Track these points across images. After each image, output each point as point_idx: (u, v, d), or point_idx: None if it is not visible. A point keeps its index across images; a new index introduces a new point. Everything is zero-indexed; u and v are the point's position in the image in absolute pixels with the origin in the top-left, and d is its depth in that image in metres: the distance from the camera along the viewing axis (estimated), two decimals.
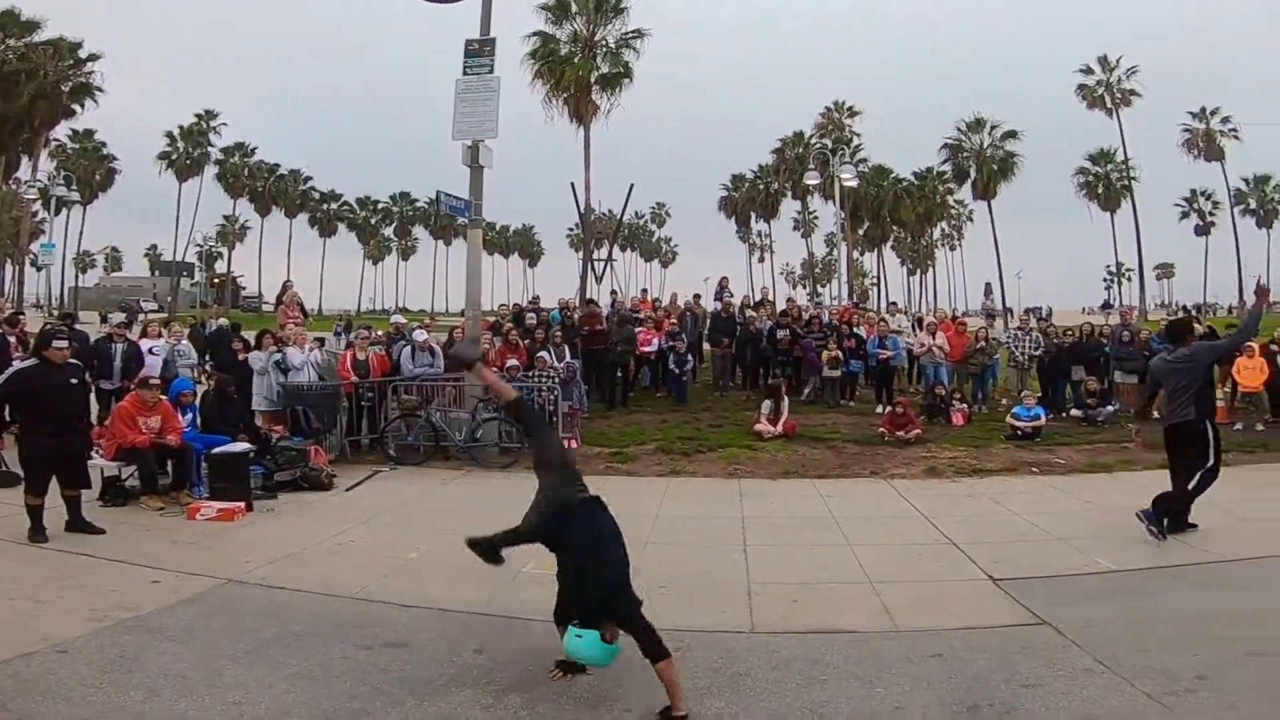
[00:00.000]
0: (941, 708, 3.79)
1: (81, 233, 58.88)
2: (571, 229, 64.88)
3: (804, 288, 63.62)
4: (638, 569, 5.86)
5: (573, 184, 27.45)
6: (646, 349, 14.27)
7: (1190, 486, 6.38)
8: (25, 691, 3.80)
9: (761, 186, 59.49)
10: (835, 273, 29.56)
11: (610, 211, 29.97)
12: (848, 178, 27.19)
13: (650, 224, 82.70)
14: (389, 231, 76.02)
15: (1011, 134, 51.16)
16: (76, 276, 62.64)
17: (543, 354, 11.30)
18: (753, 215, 63.79)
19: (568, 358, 11.94)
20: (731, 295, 16.46)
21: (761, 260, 73.99)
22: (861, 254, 62.79)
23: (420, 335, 11.43)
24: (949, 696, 3.88)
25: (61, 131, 45.01)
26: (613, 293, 18.91)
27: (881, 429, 10.94)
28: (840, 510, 7.55)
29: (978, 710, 3.74)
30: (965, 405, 12.48)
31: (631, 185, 27.63)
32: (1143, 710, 3.69)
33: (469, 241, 11.31)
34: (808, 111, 57.72)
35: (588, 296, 16.94)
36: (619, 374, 13.82)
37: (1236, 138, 53.40)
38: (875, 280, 62.80)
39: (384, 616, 4.94)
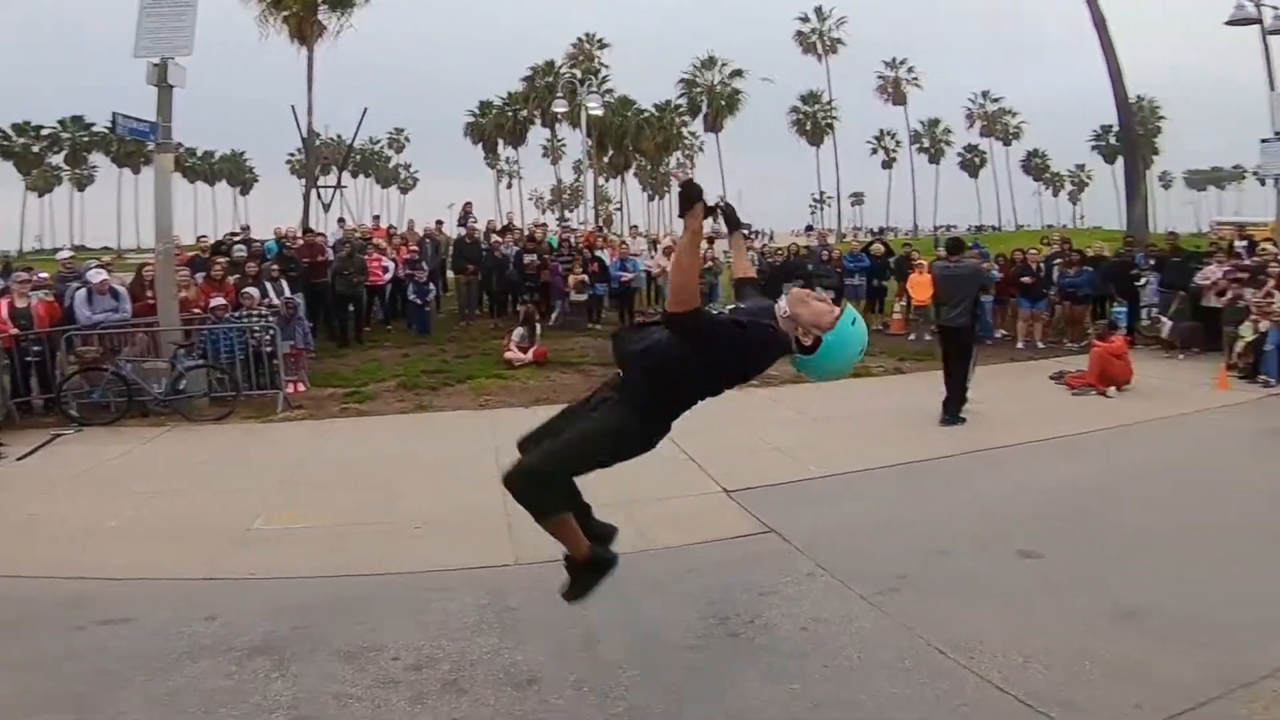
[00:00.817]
0: (698, 621, 3.99)
1: None
2: (293, 154, 58.91)
3: (553, 213, 64.07)
4: (388, 510, 5.67)
5: (293, 107, 24.65)
6: (381, 279, 13.36)
7: (963, 380, 7.85)
8: None
9: (510, 114, 58.98)
10: (582, 198, 29.99)
11: (339, 137, 27.36)
12: (594, 107, 27.39)
13: (388, 149, 77.33)
14: (58, 160, 63.18)
15: (738, 72, 57.10)
16: None
17: (250, 290, 10.05)
18: (500, 142, 62.76)
19: (287, 293, 10.78)
20: (475, 220, 15.88)
21: (510, 186, 72.61)
22: (606, 180, 64.50)
23: (97, 275, 9.60)
24: (704, 610, 4.09)
25: None
26: (340, 220, 17.34)
27: None
28: None
29: (728, 622, 3.97)
30: None
31: (365, 109, 25.42)
32: (859, 610, 4.05)
33: (156, 168, 9.64)
34: (560, 42, 57.68)
35: (307, 225, 15.36)
36: (350, 308, 12.83)
37: (918, 86, 65.41)
38: (619, 206, 64.97)
39: (91, 593, 4.38)
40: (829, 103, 62.92)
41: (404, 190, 78.49)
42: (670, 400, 3.00)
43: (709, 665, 3.58)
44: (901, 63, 65.66)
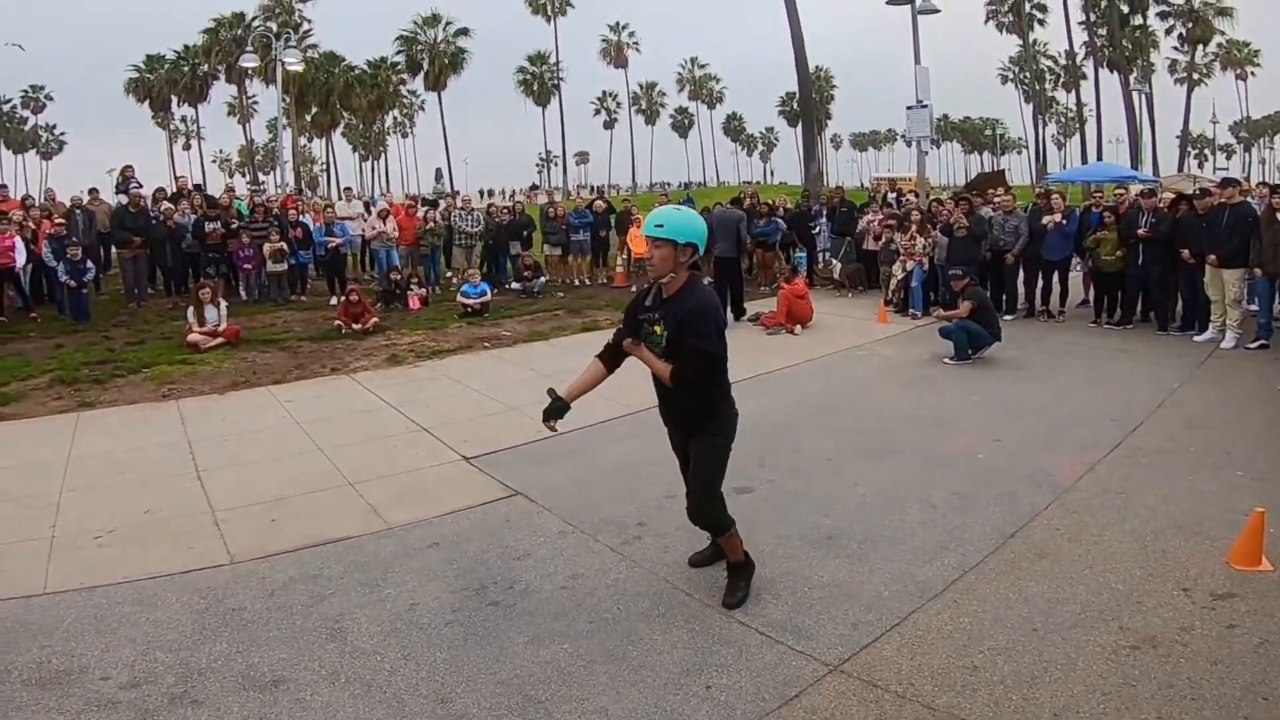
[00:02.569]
0: (452, 595, 3.84)
1: None
2: None
3: (244, 176, 57.55)
4: (54, 523, 4.75)
5: None
6: (9, 262, 10.95)
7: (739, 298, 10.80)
8: None
9: (187, 68, 51.56)
10: (280, 160, 27.03)
11: None
12: (292, 62, 24.72)
13: (22, 110, 63.78)
14: None
15: (463, 31, 55.37)
16: None
17: None
18: (175, 99, 54.69)
19: None
20: (140, 186, 13.59)
21: (188, 148, 63.98)
22: (310, 140, 59.22)
23: None
24: (456, 583, 3.95)
25: None
26: None
27: (338, 321, 10.49)
28: (304, 414, 7.01)
29: (485, 591, 3.87)
30: (422, 289, 12.76)
31: None
32: (610, 561, 4.16)
33: None
34: None
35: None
36: None
37: (638, 50, 69.27)
38: (325, 167, 60.14)
39: None
40: (556, 64, 63.60)
41: (45, 156, 65.45)
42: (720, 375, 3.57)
43: (472, 638, 3.48)
44: (624, 27, 68.51)
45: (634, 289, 13.65)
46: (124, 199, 13.17)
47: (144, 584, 4.03)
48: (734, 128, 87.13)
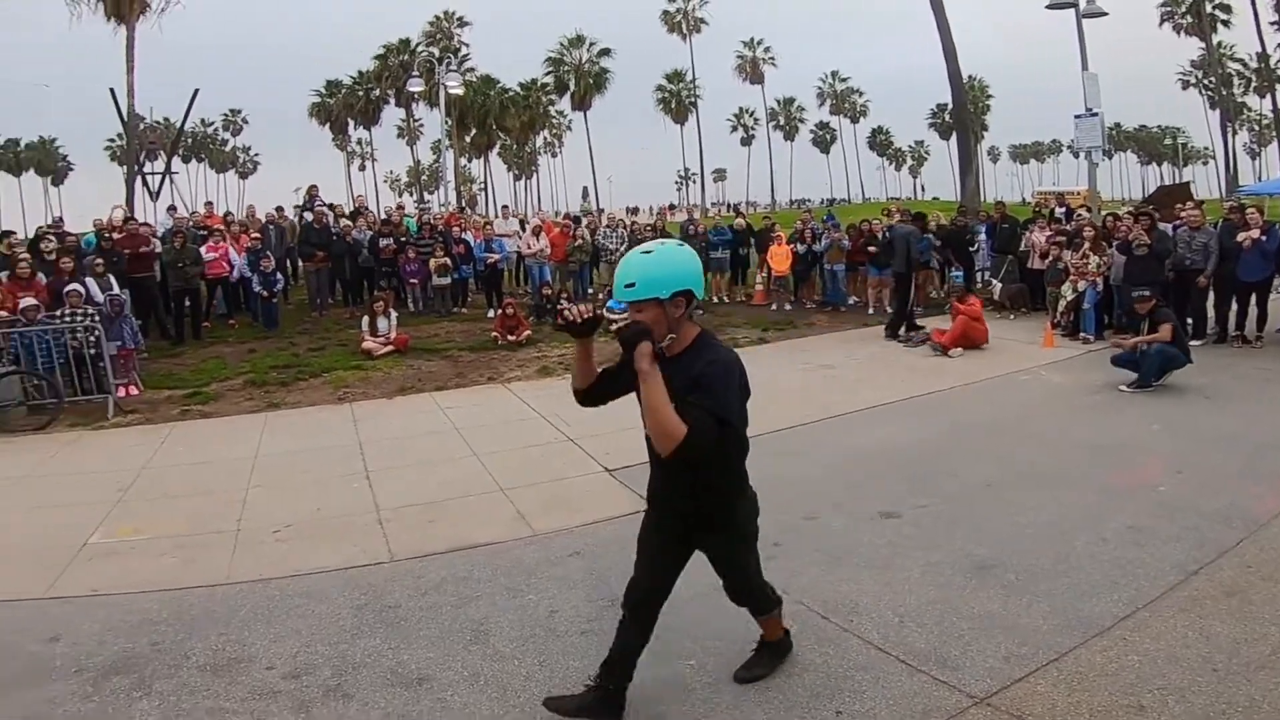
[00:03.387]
0: (589, 604, 3.90)
1: None
2: (113, 140, 53.72)
3: (411, 195, 61.83)
4: (241, 516, 5.27)
5: (112, 89, 22.26)
6: (225, 271, 12.36)
7: (896, 310, 10.99)
8: None
9: (362, 93, 56.28)
10: (443, 179, 29.05)
11: (167, 120, 25.01)
12: (453, 85, 26.44)
13: (223, 132, 71.78)
14: None
15: (605, 51, 57.35)
16: None
17: (75, 287, 9.02)
18: (351, 122, 59.80)
19: (115, 289, 9.74)
20: (324, 204, 14.97)
21: (363, 168, 69.61)
22: (469, 160, 62.90)
23: None
24: (594, 592, 4.00)
25: None
26: (170, 208, 15.85)
27: (494, 333, 11.06)
28: (462, 420, 7.44)
29: (619, 603, 3.90)
30: (571, 303, 13.18)
31: (196, 90, 23.26)
32: None
33: None
34: (415, 20, 55.40)
35: (127, 214, 13.96)
36: (187, 302, 11.79)
37: (774, 65, 68.25)
38: (483, 186, 63.56)
39: None
40: (693, 81, 64.20)
41: (243, 175, 73.34)
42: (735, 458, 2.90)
43: (605, 648, 3.42)
44: (759, 43, 68.25)
45: (773, 307, 13.58)
46: (309, 216, 14.52)
47: (312, 578, 4.32)
48: (880, 142, 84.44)
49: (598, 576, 4.21)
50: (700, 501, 2.84)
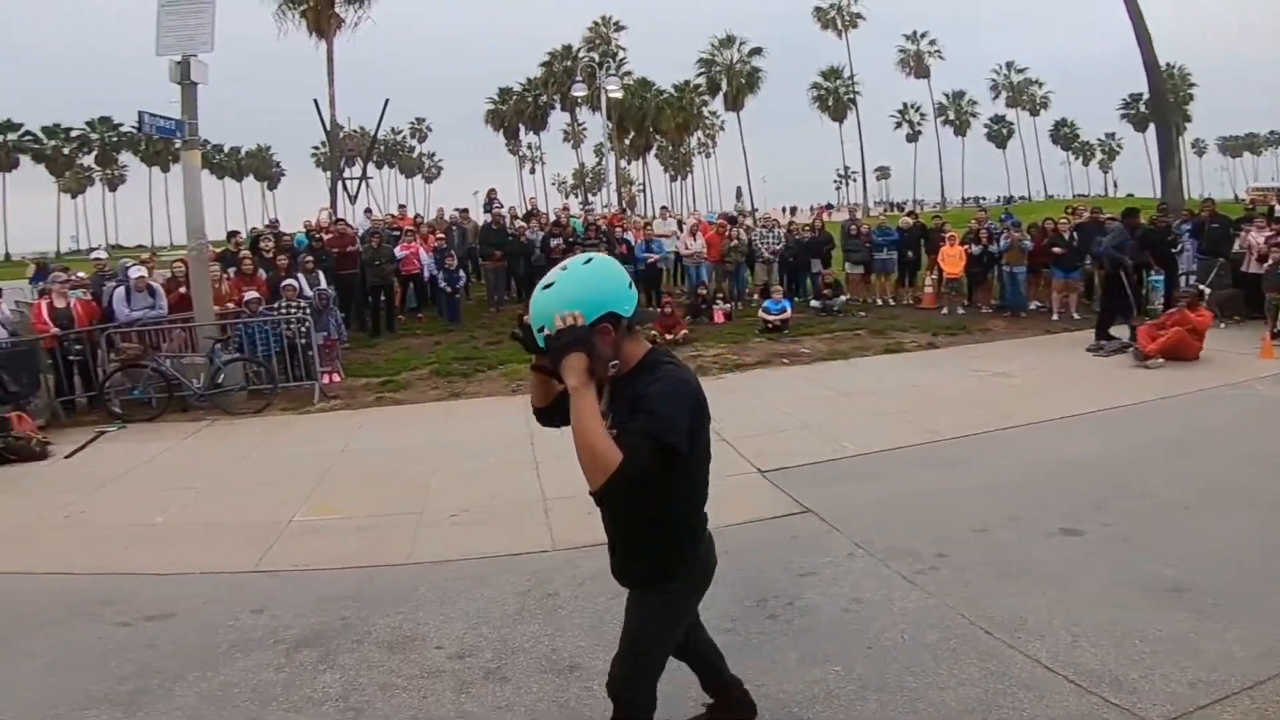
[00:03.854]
0: (733, 604, 3.86)
1: None
2: (317, 147, 59.90)
3: (576, 197, 64.22)
4: (425, 499, 5.73)
5: (316, 100, 24.97)
6: (414, 268, 13.50)
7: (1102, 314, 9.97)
8: None
9: (530, 99, 59.24)
10: (605, 181, 30.11)
11: (363, 128, 27.61)
12: (613, 89, 27.28)
13: (410, 139, 77.92)
14: (89, 160, 64.67)
15: (757, 50, 56.64)
16: None
17: (290, 281, 10.20)
18: (522, 128, 63.10)
19: (322, 284, 10.92)
20: (501, 206, 15.95)
21: (533, 172, 73.27)
22: (628, 162, 64.43)
23: (136, 272, 9.80)
24: (739, 593, 3.96)
25: None
26: (367, 210, 17.49)
27: (652, 331, 11.33)
28: None
29: (766, 604, 3.89)
30: (727, 303, 13.27)
31: (387, 100, 25.75)
32: (901, 590, 3.96)
33: (185, 165, 9.80)
34: (576, 25, 57.76)
35: (336, 216, 15.50)
36: (382, 297, 12.98)
37: (940, 57, 64.33)
38: (642, 187, 64.88)
39: (138, 589, 4.44)
40: (850, 78, 62.19)
41: (428, 179, 79.34)
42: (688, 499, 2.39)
43: (747, 648, 3.51)
44: (922, 35, 64.89)
45: (944, 311, 12.92)
46: (488, 218, 15.51)
47: (481, 562, 4.54)
48: (1064, 135, 77.69)
49: (744, 576, 4.19)
50: (631, 549, 2.39)
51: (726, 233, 14.50)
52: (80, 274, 10.49)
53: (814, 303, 13.57)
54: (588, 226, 15.46)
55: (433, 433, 7.51)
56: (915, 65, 66.03)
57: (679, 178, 72.18)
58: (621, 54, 53.68)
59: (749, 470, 5.95)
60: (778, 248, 14.38)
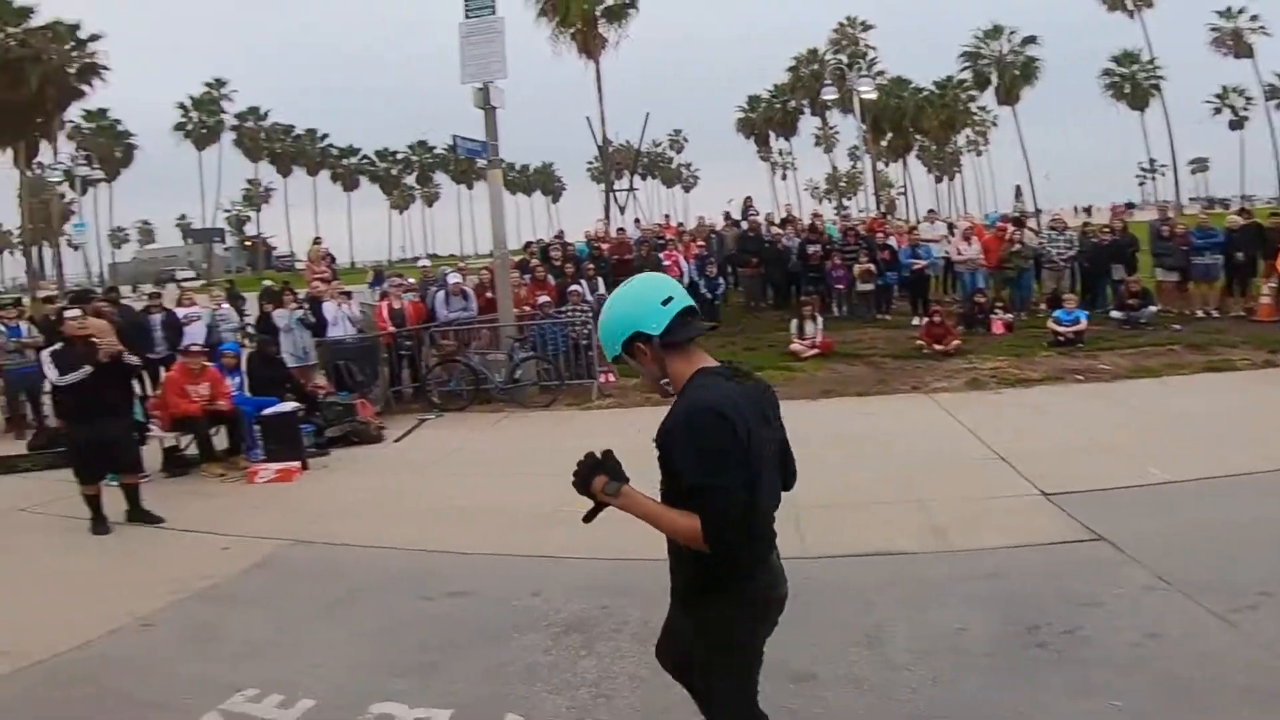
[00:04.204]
0: (1000, 628, 3.69)
1: (111, 209, 60.59)
2: (591, 162, 65.19)
3: (829, 202, 62.95)
4: None
5: (588, 118, 27.32)
6: (676, 275, 14.15)
7: None
8: (115, 668, 3.84)
9: (779, 105, 59.45)
10: (860, 185, 29.11)
11: (628, 142, 29.61)
12: (866, 90, 26.43)
13: (669, 151, 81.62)
14: (411, 180, 76.31)
15: (1031, 39, 51.08)
16: (112, 253, 64.20)
17: (575, 288, 11.26)
18: (772, 134, 63.50)
19: (601, 289, 11.89)
20: (757, 214, 16.23)
21: (784, 178, 73.02)
22: (886, 165, 61.92)
23: (454, 278, 11.42)
24: (1008, 617, 3.78)
25: (74, 113, 44.57)
26: (636, 220, 18.68)
27: (919, 341, 10.82)
28: (883, 427, 7.47)
29: (1037, 631, 3.65)
30: (1007, 313, 12.25)
31: (648, 114, 27.39)
32: (1208, 627, 3.57)
33: (490, 182, 11.22)
34: (820, 29, 56.68)
35: (618, 226, 16.72)
36: None
37: (1266, 34, 53.43)
38: (902, 190, 61.80)
39: (442, 566, 4.95)
40: (1150, 61, 53.93)
41: (686, 189, 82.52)
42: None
43: (1009, 674, 3.30)
44: (1239, 11, 54.06)
45: None
46: (744, 225, 15.81)
47: None
48: None
49: (1017, 601, 3.93)
50: (676, 558, 2.26)
51: (1007, 236, 13.38)
52: (410, 279, 12.44)
53: (1115, 313, 12.01)
54: (845, 232, 15.14)
55: None
56: (1234, 44, 55.42)
57: (945, 179, 67.70)
58: (872, 53, 51.61)
59: (1030, 492, 5.55)
60: (1070, 252, 12.96)
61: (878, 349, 11.14)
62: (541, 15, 31.57)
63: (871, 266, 13.49)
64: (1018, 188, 53.54)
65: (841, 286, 13.83)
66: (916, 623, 3.83)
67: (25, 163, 38.87)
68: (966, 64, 53.45)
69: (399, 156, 73.69)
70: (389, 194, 75.29)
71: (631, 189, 25.35)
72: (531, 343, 10.39)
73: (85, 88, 39.52)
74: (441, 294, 11.06)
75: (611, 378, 10.53)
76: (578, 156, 72.63)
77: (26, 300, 21.48)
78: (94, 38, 38.82)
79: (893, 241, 14.30)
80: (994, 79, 52.64)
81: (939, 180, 68.09)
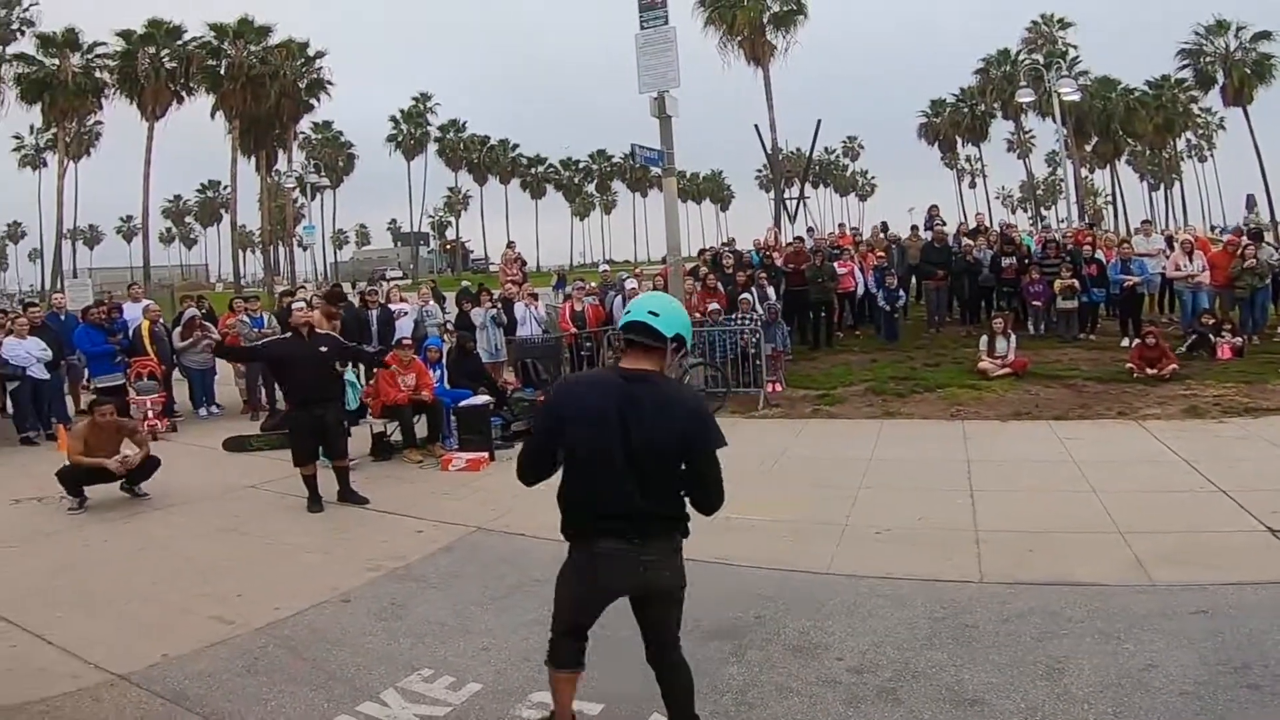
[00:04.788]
0: (1204, 667, 3.39)
1: (334, 214, 68.72)
2: (760, 170, 64.83)
3: (1025, 211, 58.32)
4: (850, 512, 5.81)
5: (756, 126, 27.26)
6: (850, 285, 13.79)
7: None
8: (317, 640, 4.15)
9: (966, 109, 55.94)
10: (1060, 193, 26.74)
11: (798, 150, 29.18)
12: (1068, 91, 24.26)
13: (843, 158, 79.41)
14: (591, 188, 79.98)
15: (1264, 35, 44.32)
16: (335, 253, 72.84)
17: (745, 296, 11.26)
18: (958, 140, 59.73)
19: (771, 298, 11.81)
20: (944, 223, 15.38)
21: (973, 186, 68.61)
22: (1091, 172, 56.32)
23: (631, 284, 11.81)
24: (1213, 655, 3.48)
25: (305, 125, 50.73)
26: (809, 229, 18.34)
27: (1130, 364, 9.81)
28: (1082, 454, 6.88)
29: (1247, 670, 3.34)
30: (1236, 337, 10.81)
31: (819, 121, 26.82)
32: None
33: (664, 190, 11.44)
34: (1009, 28, 52.53)
35: (796, 235, 16.54)
36: (822, 313, 13.43)
37: None
38: (1110, 199, 56.07)
39: None
40: None
41: (862, 197, 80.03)
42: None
43: (1207, 715, 3.02)
44: None
45: None
46: (929, 235, 15.04)
47: (900, 583, 4.45)
48: None
49: (1226, 641, 3.56)
50: None
51: (1239, 251, 11.81)
52: (591, 283, 13.01)
53: None
54: (1045, 244, 14.00)
55: (864, 448, 7.55)
56: None
57: (1162, 186, 60.78)
58: (1073, 52, 47.08)
59: (1255, 527, 5.04)
60: None
61: (1079, 371, 10.24)
62: (709, 24, 31.79)
63: (1075, 282, 12.38)
64: (1250, 197, 46.88)
65: (1039, 303, 12.79)
66: (1104, 656, 3.58)
67: (266, 170, 44.49)
68: (1186, 62, 47.85)
69: (580, 165, 77.45)
70: (571, 201, 79.34)
71: (802, 197, 24.97)
72: (700, 350, 10.52)
73: (314, 101, 44.57)
74: (619, 298, 11.44)
75: (779, 387, 10.44)
76: (746, 164, 72.72)
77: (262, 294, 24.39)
78: (320, 55, 43.58)
79: (1100, 255, 13.05)
80: (1220, 78, 46.63)
81: (1154, 188, 61.23)
